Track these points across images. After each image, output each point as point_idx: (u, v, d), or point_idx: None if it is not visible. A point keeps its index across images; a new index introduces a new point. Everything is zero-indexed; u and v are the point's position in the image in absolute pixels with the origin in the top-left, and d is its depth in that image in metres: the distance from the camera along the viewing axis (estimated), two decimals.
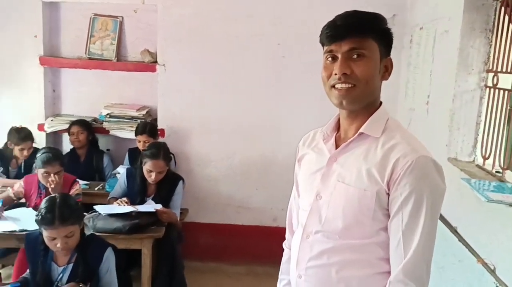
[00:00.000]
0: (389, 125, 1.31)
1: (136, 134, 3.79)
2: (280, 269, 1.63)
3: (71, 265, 2.20)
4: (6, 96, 4.17)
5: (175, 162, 3.89)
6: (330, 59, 1.28)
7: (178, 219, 3.18)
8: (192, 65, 3.96)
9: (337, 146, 1.36)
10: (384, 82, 1.34)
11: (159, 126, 4.02)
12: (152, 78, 4.04)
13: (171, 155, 3.46)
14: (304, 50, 3.81)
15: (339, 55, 1.25)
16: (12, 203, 3.13)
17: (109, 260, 2.26)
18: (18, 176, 3.63)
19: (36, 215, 2.12)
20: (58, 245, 2.09)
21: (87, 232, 2.68)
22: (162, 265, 2.99)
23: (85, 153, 3.91)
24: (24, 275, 2.24)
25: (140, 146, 3.75)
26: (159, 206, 2.98)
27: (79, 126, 3.81)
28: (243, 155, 4.08)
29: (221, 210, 4.15)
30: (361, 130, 1.30)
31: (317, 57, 3.50)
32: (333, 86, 1.27)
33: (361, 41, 1.24)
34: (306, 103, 3.96)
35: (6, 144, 3.73)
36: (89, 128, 3.87)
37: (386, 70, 1.31)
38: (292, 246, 1.46)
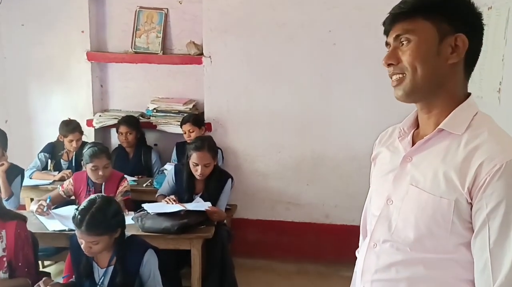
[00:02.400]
0: (477, 121, 1.11)
1: (181, 125, 3.73)
2: (352, 279, 1.47)
3: (111, 268, 2.13)
4: (56, 93, 4.20)
5: (223, 157, 3.78)
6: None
7: None
8: (239, 56, 3.83)
9: (414, 144, 1.19)
10: None
11: (206, 120, 3.92)
12: (198, 71, 3.94)
13: (218, 149, 3.35)
14: (358, 37, 3.60)
15: (391, 45, 1.15)
16: (63, 201, 3.12)
17: (150, 263, 2.16)
18: (69, 169, 3.66)
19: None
20: (82, 247, 2.03)
21: (136, 231, 2.63)
22: (212, 265, 2.90)
23: (133, 149, 3.87)
24: (72, 279, 2.19)
25: (185, 137, 3.70)
26: (208, 205, 2.88)
27: (127, 126, 3.77)
28: (293, 149, 3.92)
29: (271, 206, 4.02)
30: (440, 126, 1.11)
31: (371, 44, 3.28)
32: (391, 78, 1.16)
33: (408, 25, 1.10)
34: (359, 94, 3.76)
35: (58, 137, 3.76)
36: (137, 128, 3.83)
37: (454, 50, 1.09)
38: (359, 255, 1.32)
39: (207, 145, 2.99)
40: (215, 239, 2.80)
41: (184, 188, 3.07)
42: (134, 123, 3.82)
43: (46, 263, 3.65)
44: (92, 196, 2.11)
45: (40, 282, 1.95)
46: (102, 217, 2.01)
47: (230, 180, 3.14)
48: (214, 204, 2.96)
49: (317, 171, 3.93)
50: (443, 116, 1.12)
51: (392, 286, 1.15)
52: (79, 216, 1.99)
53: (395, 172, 1.18)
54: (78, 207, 2.05)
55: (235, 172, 3.60)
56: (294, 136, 3.89)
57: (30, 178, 3.56)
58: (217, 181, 3.08)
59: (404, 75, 1.11)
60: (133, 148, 3.87)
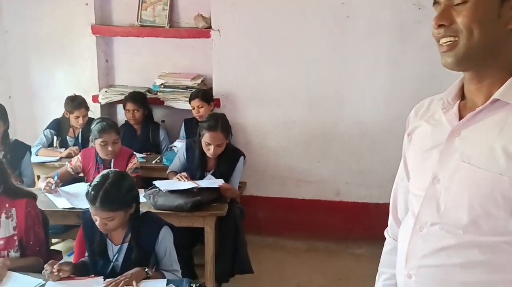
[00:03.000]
0: None
1: (189, 101, 3.64)
2: (381, 261, 1.37)
3: (126, 245, 2.07)
4: (60, 68, 4.10)
5: (231, 133, 3.70)
6: (436, 12, 1.05)
7: None
8: (248, 29, 3.71)
9: (461, 117, 1.08)
10: None
11: (215, 96, 3.84)
12: (206, 45, 3.83)
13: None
14: (372, 9, 3.49)
15: (441, 4, 1.03)
16: (71, 178, 3.06)
17: (165, 240, 2.09)
18: (75, 146, 3.60)
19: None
20: (97, 223, 1.97)
21: (148, 209, 2.57)
22: (225, 242, 2.85)
23: (140, 126, 3.80)
24: (83, 259, 2.14)
25: (194, 113, 3.63)
26: (221, 182, 2.81)
27: (134, 103, 3.68)
28: (303, 125, 3.84)
29: (281, 183, 3.96)
30: (495, 96, 1.01)
31: (386, 17, 3.14)
32: (438, 42, 1.05)
33: None
34: (372, 69, 3.66)
35: (63, 114, 3.68)
36: (144, 104, 3.74)
37: None
38: (400, 238, 1.21)
39: (221, 125, 2.91)
40: (228, 217, 2.74)
41: (196, 165, 3.00)
42: (141, 100, 3.73)
43: (54, 241, 3.61)
44: (105, 171, 2.03)
45: (47, 265, 1.89)
46: (116, 192, 1.94)
47: (242, 157, 3.07)
48: (226, 181, 2.90)
49: (328, 147, 3.85)
50: (496, 86, 1.02)
51: (443, 272, 1.06)
52: (92, 192, 1.92)
53: (440, 148, 1.08)
54: (91, 183, 1.98)
55: (245, 148, 3.52)
56: (305, 112, 3.80)
57: (36, 155, 3.49)
58: (229, 158, 3.01)
59: (457, 39, 1.00)
60: (141, 124, 3.79)
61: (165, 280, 1.90)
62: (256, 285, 3.25)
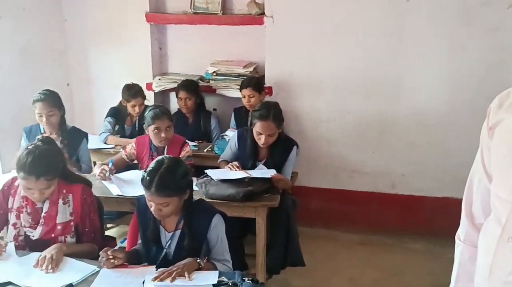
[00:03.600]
0: None
1: (240, 89, 3.59)
2: (457, 273, 1.22)
3: (178, 232, 2.05)
4: (116, 56, 4.17)
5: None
6: None
7: None
8: (302, 15, 3.61)
9: None
10: None
11: (267, 84, 3.77)
12: (259, 31, 3.76)
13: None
14: None
15: None
16: (125, 165, 3.10)
17: (218, 228, 2.06)
18: (132, 134, 3.65)
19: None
20: (152, 209, 1.96)
21: (200, 197, 2.56)
22: (277, 234, 2.79)
23: (192, 115, 3.80)
24: (135, 247, 2.15)
25: (244, 102, 3.58)
26: (273, 172, 2.75)
27: (187, 92, 3.68)
28: (358, 113, 3.71)
29: (334, 174, 3.86)
30: None
31: None
32: None
33: None
34: (434, 55, 3.47)
35: (120, 102, 3.73)
36: (196, 93, 3.73)
37: None
38: (480, 247, 1.09)
39: (273, 114, 2.83)
40: (280, 208, 2.68)
41: (248, 154, 2.95)
42: (193, 89, 3.72)
43: (108, 226, 3.70)
44: (159, 157, 2.02)
45: (102, 252, 1.90)
46: (171, 177, 1.92)
47: (295, 147, 2.99)
48: (278, 171, 2.83)
49: (384, 137, 3.71)
50: None
51: None
52: (148, 177, 1.91)
53: None
54: (146, 169, 1.97)
55: (297, 137, 3.41)
56: (360, 100, 3.67)
57: (105, 143, 3.57)
58: (282, 148, 2.94)
59: None
60: (192, 113, 3.79)
61: (217, 272, 1.87)
62: (308, 277, 3.19)
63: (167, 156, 2.05)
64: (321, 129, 3.80)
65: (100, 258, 1.90)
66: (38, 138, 2.08)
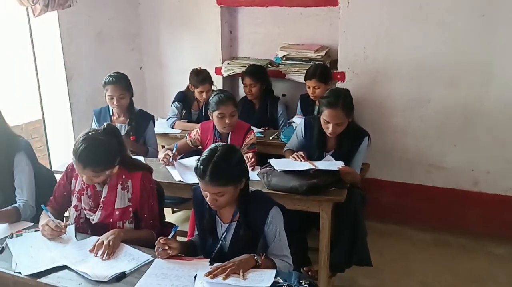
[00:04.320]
0: None
1: (305, 79, 3.41)
2: None
3: (234, 224, 1.96)
4: (186, 39, 4.16)
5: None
6: None
7: None
8: None
9: None
10: None
11: (339, 69, 3.56)
12: (333, 13, 3.58)
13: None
14: None
15: None
16: (190, 150, 3.06)
17: (275, 221, 1.93)
18: (199, 119, 3.60)
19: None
20: (207, 199, 1.87)
21: (261, 188, 2.45)
22: (342, 231, 2.62)
23: (259, 101, 3.69)
24: (192, 238, 2.08)
25: (309, 92, 3.40)
26: (340, 164, 2.57)
27: (251, 78, 3.57)
28: (439, 103, 3.40)
29: (409, 168, 3.60)
30: None
31: None
32: None
33: None
34: None
35: (187, 86, 3.70)
36: (262, 79, 3.60)
37: None
38: None
39: (342, 102, 2.62)
40: (348, 203, 2.49)
41: (314, 144, 2.79)
42: (259, 75, 3.60)
43: (170, 210, 3.73)
44: (213, 145, 1.92)
45: (157, 242, 1.85)
46: (225, 165, 1.82)
47: (366, 138, 2.76)
48: (347, 163, 2.63)
49: (468, 130, 3.38)
50: None
51: None
52: (201, 166, 1.82)
53: None
54: (200, 157, 1.89)
55: (370, 127, 3.17)
56: (442, 89, 3.36)
57: (172, 127, 3.58)
58: (351, 138, 2.73)
59: None
60: (258, 99, 3.68)
61: (273, 272, 1.74)
62: (375, 278, 3.00)
63: (221, 143, 1.95)
64: (397, 119, 3.54)
65: (156, 247, 1.86)
66: (103, 126, 2.07)
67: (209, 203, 1.88)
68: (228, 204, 1.91)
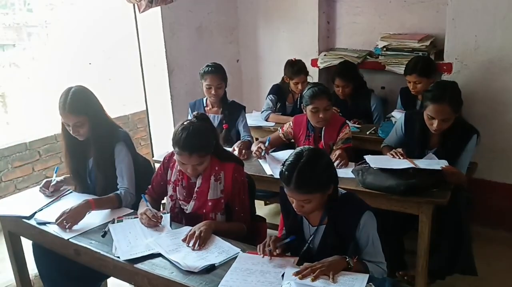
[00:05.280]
0: None
1: (404, 74, 3.18)
2: None
3: (323, 227, 1.86)
4: (283, 31, 4.13)
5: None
6: None
7: None
8: None
9: None
10: None
11: (446, 60, 3.29)
12: (440, 0, 3.27)
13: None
14: None
15: None
16: (282, 144, 3.03)
17: (368, 226, 1.80)
18: (294, 111, 3.56)
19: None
20: (293, 206, 1.79)
21: (355, 186, 2.34)
22: (444, 236, 2.42)
23: (350, 94, 3.49)
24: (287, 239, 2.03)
25: (410, 87, 3.17)
26: (444, 163, 2.36)
27: (343, 80, 3.41)
28: None
29: None
30: None
31: None
32: None
33: None
34: None
35: (282, 78, 3.67)
36: (354, 79, 3.43)
37: None
38: None
39: (449, 96, 2.41)
40: (451, 206, 2.29)
41: (415, 141, 2.60)
42: (351, 75, 3.44)
43: (267, 202, 3.74)
44: (298, 149, 1.82)
45: (263, 246, 1.80)
46: (311, 172, 1.72)
47: (475, 136, 2.51)
48: (451, 163, 2.41)
49: None
50: None
51: None
52: (286, 173, 1.74)
53: None
54: (285, 162, 1.81)
55: (479, 123, 2.87)
56: None
57: (266, 120, 3.59)
58: (458, 135, 2.50)
59: None
60: (350, 95, 3.50)
61: (366, 276, 1.63)
62: None
63: (307, 146, 1.84)
64: (511, 115, 3.18)
65: (258, 245, 1.82)
66: (194, 115, 2.10)
67: (295, 209, 1.82)
68: (314, 211, 1.82)
